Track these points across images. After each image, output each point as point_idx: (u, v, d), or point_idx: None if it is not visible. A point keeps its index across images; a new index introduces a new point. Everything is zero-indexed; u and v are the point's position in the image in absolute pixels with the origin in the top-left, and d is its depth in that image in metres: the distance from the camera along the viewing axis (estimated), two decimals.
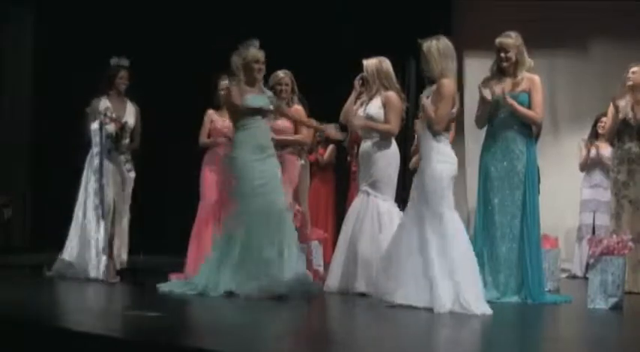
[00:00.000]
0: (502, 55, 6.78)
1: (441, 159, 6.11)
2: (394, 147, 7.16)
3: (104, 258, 7.71)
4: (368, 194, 7.00)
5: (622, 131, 7.82)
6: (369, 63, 7.10)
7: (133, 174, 8.23)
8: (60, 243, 11.12)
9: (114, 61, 8.16)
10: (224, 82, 7.67)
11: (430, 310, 5.80)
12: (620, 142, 7.86)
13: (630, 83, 7.83)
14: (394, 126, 7.08)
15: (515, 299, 6.61)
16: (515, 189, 6.72)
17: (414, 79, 11.67)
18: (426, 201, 6.07)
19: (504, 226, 6.71)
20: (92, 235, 7.81)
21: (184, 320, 5.79)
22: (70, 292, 7.26)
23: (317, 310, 6.37)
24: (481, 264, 6.67)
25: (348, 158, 8.56)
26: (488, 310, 5.84)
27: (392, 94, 7.07)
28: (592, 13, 10.82)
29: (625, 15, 10.67)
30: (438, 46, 6.17)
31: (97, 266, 7.67)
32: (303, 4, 11.35)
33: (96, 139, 7.92)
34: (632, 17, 10.62)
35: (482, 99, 6.81)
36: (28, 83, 11.78)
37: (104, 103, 8.07)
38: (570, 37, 10.98)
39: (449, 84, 6.19)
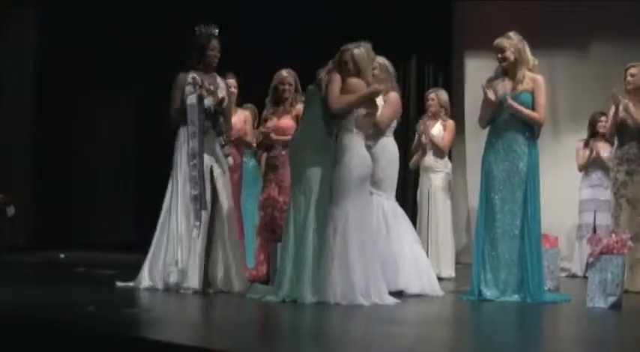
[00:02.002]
0: (499, 55, 6.79)
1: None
2: (395, 146, 7.17)
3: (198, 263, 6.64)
4: (371, 193, 7.00)
5: (621, 132, 7.84)
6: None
7: (230, 161, 7.22)
8: (61, 241, 11.24)
9: (202, 29, 6.91)
10: (231, 80, 7.66)
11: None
12: (619, 142, 7.88)
13: (630, 87, 7.84)
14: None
15: (515, 297, 6.61)
16: (516, 189, 6.73)
17: (414, 78, 11.72)
18: None
19: (505, 225, 6.71)
20: (183, 236, 6.66)
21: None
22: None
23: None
24: (482, 263, 6.71)
25: None
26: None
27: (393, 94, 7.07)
28: (591, 14, 10.85)
29: (624, 16, 10.69)
30: (367, 53, 6.41)
31: (192, 273, 6.58)
32: (304, 5, 11.37)
33: (192, 116, 6.69)
34: (631, 18, 10.65)
35: (486, 99, 6.81)
36: (28, 83, 11.80)
37: (192, 77, 6.83)
38: (570, 38, 11.01)
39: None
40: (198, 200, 6.66)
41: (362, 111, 6.35)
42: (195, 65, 6.88)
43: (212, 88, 6.81)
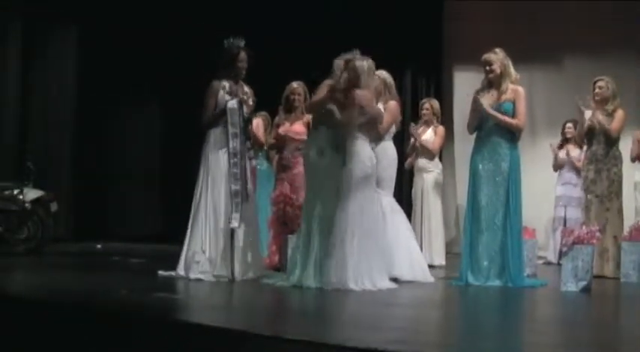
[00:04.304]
0: (487, 68, 6.82)
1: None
2: (394, 149, 7.17)
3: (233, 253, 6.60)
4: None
5: (589, 135, 7.87)
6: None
7: (255, 162, 7.28)
8: (98, 233, 11.28)
9: (233, 42, 6.82)
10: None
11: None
12: (588, 145, 7.93)
13: (598, 98, 7.87)
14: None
15: (497, 283, 6.62)
16: (499, 187, 6.75)
17: (409, 89, 11.73)
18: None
19: (489, 219, 6.74)
20: (211, 228, 6.59)
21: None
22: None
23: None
24: (469, 252, 6.74)
25: None
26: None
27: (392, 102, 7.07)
28: (565, 34, 10.88)
29: (594, 33, 10.71)
30: (368, 65, 6.40)
31: (225, 263, 6.55)
32: (297, 20, 11.34)
33: (234, 119, 6.62)
34: (601, 35, 10.66)
35: (474, 109, 6.84)
36: (71, 87, 11.84)
37: (224, 85, 6.80)
38: (546, 54, 11.04)
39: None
40: (239, 194, 6.62)
41: (364, 120, 6.37)
42: (227, 75, 6.83)
43: (245, 97, 6.79)
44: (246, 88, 6.93)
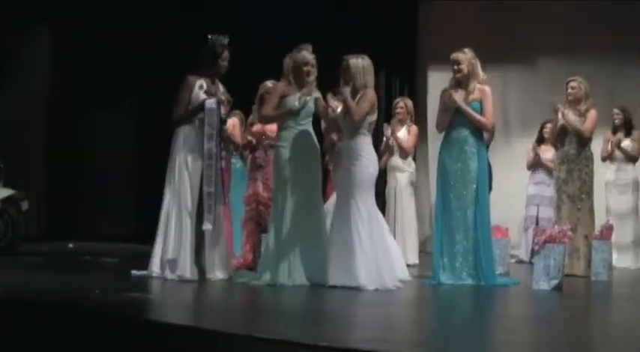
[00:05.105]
0: (455, 67, 6.84)
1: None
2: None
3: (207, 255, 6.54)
4: None
5: (562, 136, 7.91)
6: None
7: (223, 164, 6.91)
8: (70, 233, 11.20)
9: (217, 39, 6.54)
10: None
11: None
12: (560, 145, 7.95)
13: (571, 97, 7.91)
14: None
15: (470, 281, 6.65)
16: (469, 185, 6.76)
17: (383, 89, 11.73)
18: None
19: (460, 217, 6.74)
20: (191, 228, 6.45)
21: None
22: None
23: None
24: (440, 251, 6.75)
25: (326, 158, 8.55)
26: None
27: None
28: (538, 35, 10.95)
29: (567, 34, 10.79)
30: (363, 63, 6.37)
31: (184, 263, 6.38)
32: (271, 18, 11.30)
33: (211, 119, 6.38)
34: (572, 36, 10.74)
35: (443, 107, 6.86)
36: (44, 86, 11.76)
37: (202, 83, 6.56)
38: (520, 55, 11.11)
39: (372, 92, 6.38)
40: (212, 196, 6.49)
41: (371, 118, 6.38)
42: (206, 72, 6.62)
43: (222, 97, 6.59)
44: (222, 89, 6.75)
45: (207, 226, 6.51)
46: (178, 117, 6.59)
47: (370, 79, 6.42)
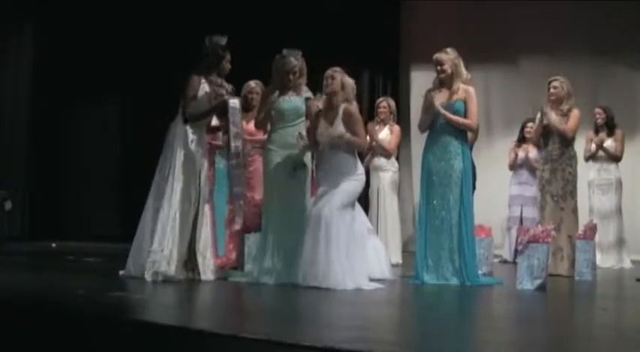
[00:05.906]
0: (438, 67, 6.83)
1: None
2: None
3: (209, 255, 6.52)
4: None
5: (545, 136, 7.92)
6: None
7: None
8: (53, 232, 11.14)
9: (218, 39, 6.47)
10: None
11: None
12: (544, 145, 7.96)
13: (553, 97, 7.93)
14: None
15: (454, 281, 6.65)
16: (453, 185, 6.75)
17: (367, 91, 11.75)
18: None
19: (443, 217, 6.74)
20: (186, 228, 6.41)
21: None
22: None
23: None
24: (424, 251, 6.75)
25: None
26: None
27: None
28: (520, 35, 10.99)
29: (548, 35, 10.83)
30: (349, 80, 6.43)
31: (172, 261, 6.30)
32: (254, 19, 11.28)
33: (235, 118, 6.29)
34: (554, 37, 10.79)
35: (426, 107, 6.86)
36: (27, 85, 11.70)
37: (204, 86, 6.47)
38: (502, 55, 11.16)
39: (355, 108, 6.46)
40: (241, 196, 6.50)
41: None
42: (210, 71, 6.51)
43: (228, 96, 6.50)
44: (229, 87, 6.67)
45: (237, 227, 6.72)
46: (196, 115, 6.43)
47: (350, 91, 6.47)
